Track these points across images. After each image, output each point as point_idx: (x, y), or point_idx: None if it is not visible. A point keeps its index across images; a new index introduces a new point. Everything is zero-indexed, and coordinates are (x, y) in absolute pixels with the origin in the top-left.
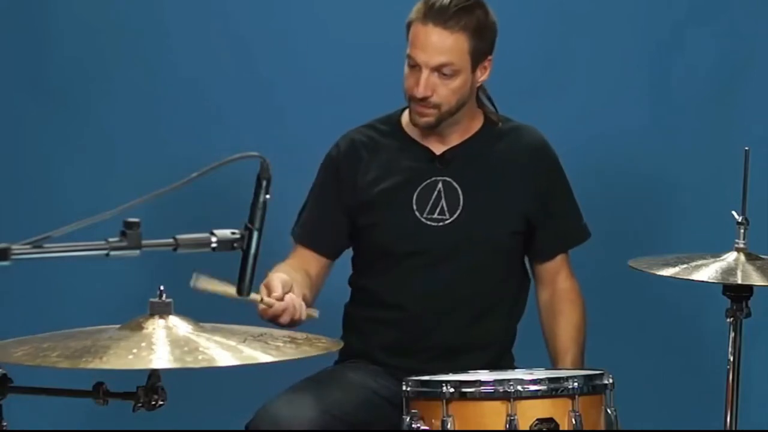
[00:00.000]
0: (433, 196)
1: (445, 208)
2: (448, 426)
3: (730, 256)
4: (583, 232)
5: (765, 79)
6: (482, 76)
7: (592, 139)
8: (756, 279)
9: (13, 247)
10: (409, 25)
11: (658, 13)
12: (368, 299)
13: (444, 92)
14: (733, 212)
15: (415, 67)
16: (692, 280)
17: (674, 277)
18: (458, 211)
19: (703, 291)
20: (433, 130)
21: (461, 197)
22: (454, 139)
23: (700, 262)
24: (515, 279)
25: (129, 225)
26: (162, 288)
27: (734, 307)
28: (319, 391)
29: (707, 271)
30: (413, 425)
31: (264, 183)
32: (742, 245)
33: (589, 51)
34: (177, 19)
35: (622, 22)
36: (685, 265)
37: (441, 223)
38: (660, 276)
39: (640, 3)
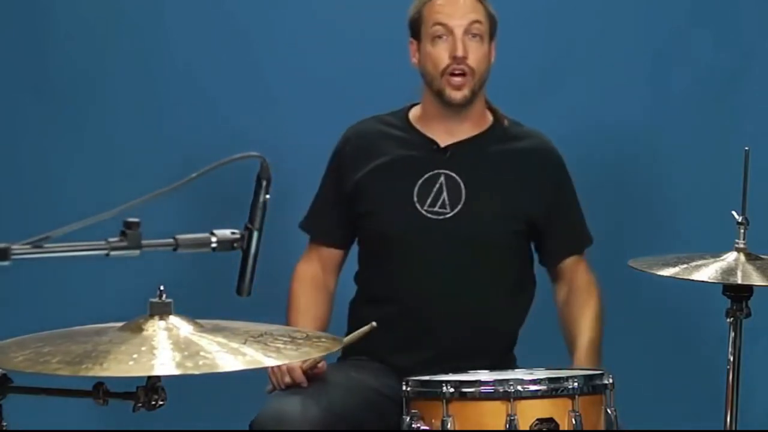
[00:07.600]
0: (435, 189)
1: (447, 202)
2: (448, 426)
3: (730, 256)
4: (585, 239)
5: (765, 79)
6: (492, 56)
7: (593, 138)
8: (756, 279)
9: (13, 247)
10: (419, 12)
11: (658, 13)
12: (370, 295)
13: (477, 55)
14: (733, 212)
15: (441, 37)
16: (692, 280)
17: (674, 277)
18: (459, 206)
19: (703, 291)
20: (467, 106)
21: (463, 192)
22: (462, 133)
23: (700, 262)
24: (516, 280)
25: (129, 225)
26: (162, 288)
27: (734, 307)
28: (322, 390)
29: (707, 271)
30: (413, 425)
31: (264, 183)
32: (742, 245)
33: (590, 51)
34: (178, 19)
35: (623, 22)
36: (685, 265)
37: (442, 217)
38: (660, 276)
39: (640, 3)
